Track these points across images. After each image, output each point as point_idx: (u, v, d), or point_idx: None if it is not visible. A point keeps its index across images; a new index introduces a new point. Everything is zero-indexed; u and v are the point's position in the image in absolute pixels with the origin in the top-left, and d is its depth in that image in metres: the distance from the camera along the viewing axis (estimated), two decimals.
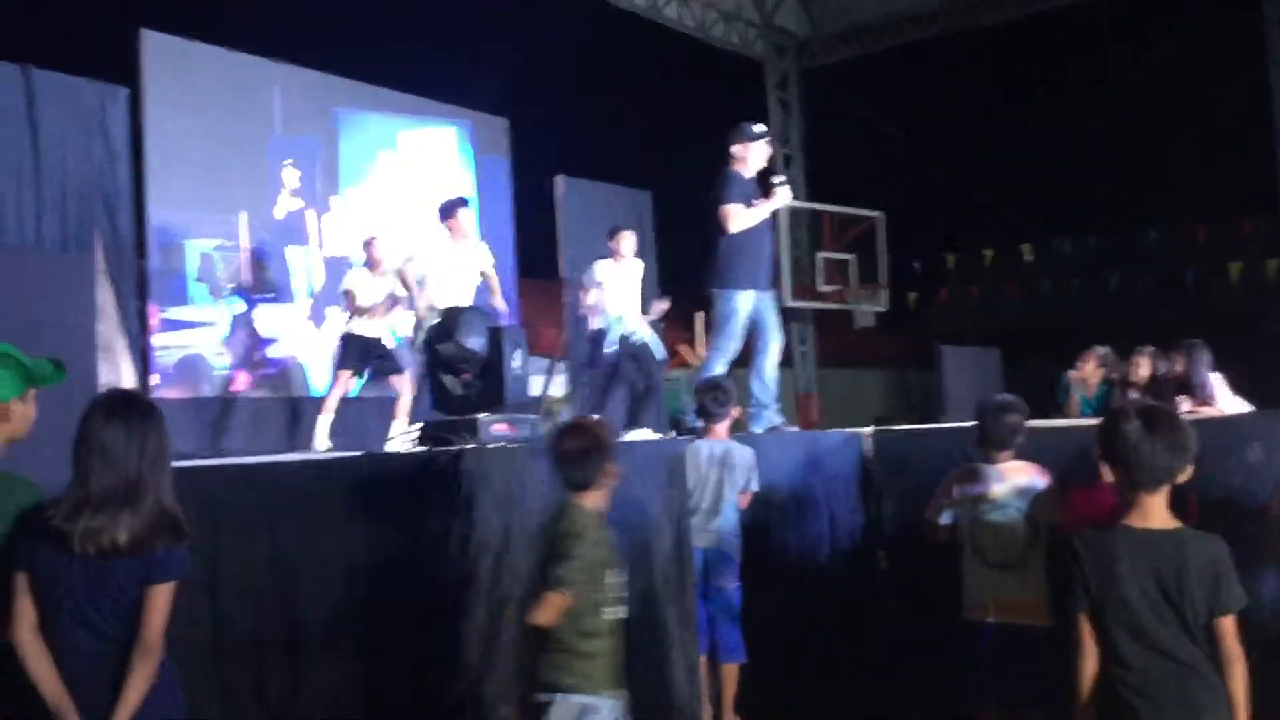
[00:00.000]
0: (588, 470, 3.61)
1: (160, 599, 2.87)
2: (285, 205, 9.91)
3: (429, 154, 11.15)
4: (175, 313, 9.15)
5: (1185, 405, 7.17)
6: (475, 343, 4.56)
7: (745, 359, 6.75)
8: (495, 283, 7.79)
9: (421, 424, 4.83)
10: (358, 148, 10.63)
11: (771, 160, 6.82)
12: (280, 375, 9.73)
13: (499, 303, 7.70)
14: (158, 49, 9.10)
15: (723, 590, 5.13)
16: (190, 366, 9.14)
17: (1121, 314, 13.51)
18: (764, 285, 6.59)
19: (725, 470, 5.18)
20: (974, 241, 15.91)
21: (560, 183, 11.68)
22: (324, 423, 7.73)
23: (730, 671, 5.12)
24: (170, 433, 7.66)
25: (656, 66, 15.88)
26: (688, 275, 16.23)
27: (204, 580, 4.85)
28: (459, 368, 4.60)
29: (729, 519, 5.17)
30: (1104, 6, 13.49)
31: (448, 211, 7.38)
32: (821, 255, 15.46)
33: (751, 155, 6.56)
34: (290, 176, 9.95)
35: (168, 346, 9.08)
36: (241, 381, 9.45)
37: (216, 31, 9.71)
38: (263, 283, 9.77)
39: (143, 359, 8.63)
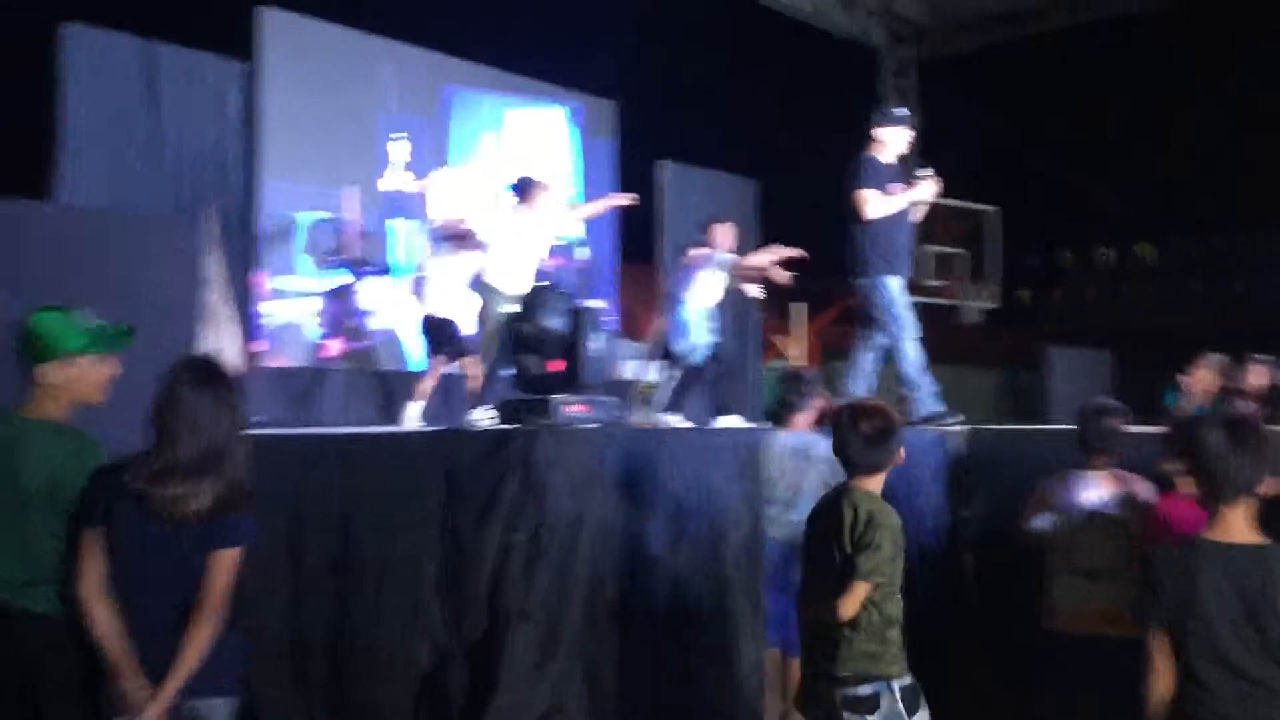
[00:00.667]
0: (883, 453, 3.54)
1: (225, 563, 2.93)
2: (391, 180, 10.06)
3: (536, 135, 11.21)
4: (282, 282, 9.39)
5: None
6: (555, 323, 4.56)
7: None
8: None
9: (501, 403, 4.84)
10: (467, 127, 10.75)
11: (911, 147, 6.69)
12: (378, 348, 9.91)
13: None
14: (275, 25, 9.33)
15: (795, 583, 5.04)
16: (292, 335, 9.37)
17: (1245, 319, 12.94)
18: (904, 274, 6.51)
19: (805, 462, 5.09)
20: (1092, 240, 15.40)
21: (664, 167, 11.63)
22: (416, 407, 7.70)
23: (798, 665, 5.03)
24: (269, 401, 7.87)
25: (770, 53, 15.70)
26: (792, 266, 16.08)
27: (284, 547, 5.00)
28: (539, 347, 4.60)
29: (806, 511, 5.07)
30: None
31: (523, 190, 7.14)
32: (931, 248, 15.13)
33: (892, 140, 6.45)
34: (398, 151, 10.10)
35: (274, 314, 9.31)
36: (338, 351, 9.64)
37: (332, 8, 9.88)
38: (369, 256, 9.95)
39: (246, 327, 8.84)
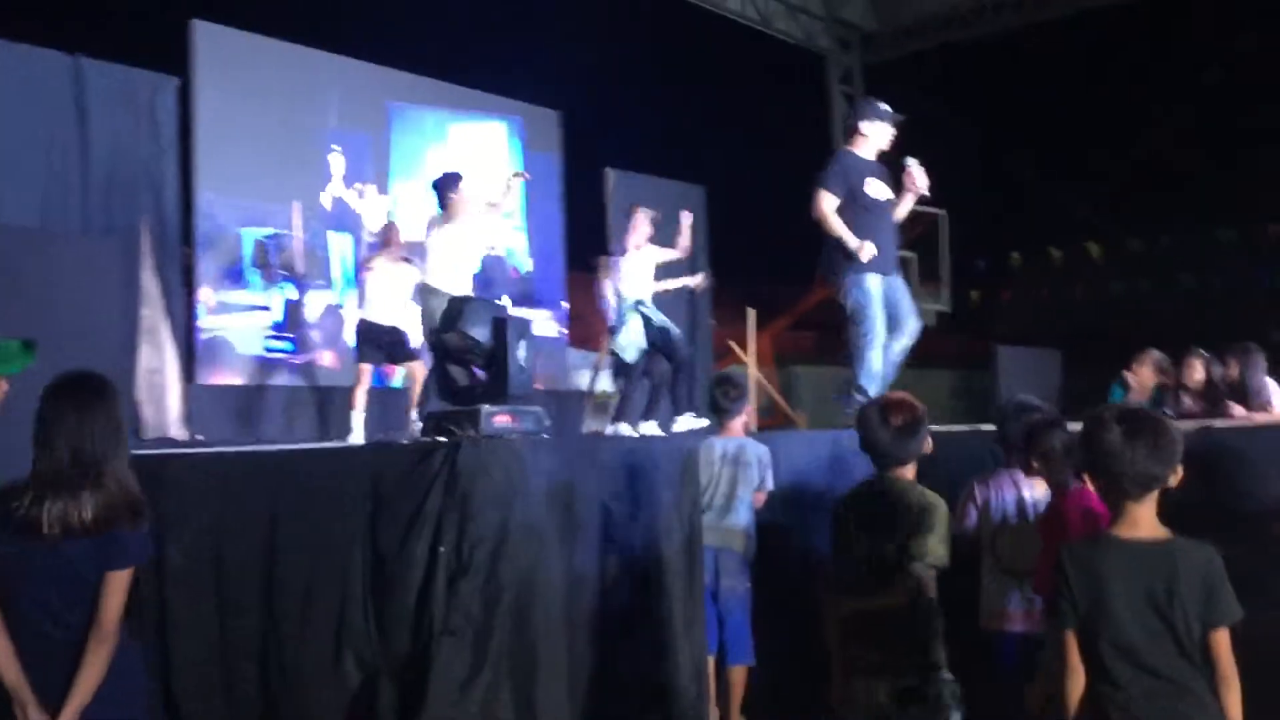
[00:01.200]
0: (914, 443, 3.52)
1: (118, 584, 2.86)
2: (331, 193, 9.97)
3: (478, 149, 11.14)
4: (230, 297, 9.26)
5: (1239, 411, 6.89)
6: (479, 333, 4.50)
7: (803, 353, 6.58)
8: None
9: (427, 414, 4.77)
10: (410, 142, 10.67)
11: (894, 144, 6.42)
12: (329, 363, 9.79)
13: None
14: (210, 40, 9.20)
15: (733, 590, 5.02)
16: (237, 349, 9.23)
17: (1194, 316, 13.06)
18: (889, 270, 6.26)
19: (739, 468, 5.07)
20: (1041, 241, 15.51)
21: (610, 175, 11.61)
22: (356, 418, 7.66)
23: (738, 673, 5.01)
24: (211, 417, 7.67)
25: (715, 59, 15.73)
26: (739, 271, 16.07)
27: (211, 563, 4.92)
28: (464, 358, 4.54)
29: (742, 517, 5.06)
30: None
31: (445, 185, 7.04)
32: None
33: (874, 134, 6.27)
34: (337, 163, 10.00)
35: (224, 328, 9.18)
36: (288, 367, 9.52)
37: (269, 23, 9.77)
38: (313, 270, 9.86)
39: (187, 344, 8.73)
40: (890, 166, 6.53)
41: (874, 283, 6.13)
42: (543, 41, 12.55)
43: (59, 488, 2.81)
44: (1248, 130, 13.80)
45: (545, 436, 4.84)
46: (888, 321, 6.25)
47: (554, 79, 12.19)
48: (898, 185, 6.40)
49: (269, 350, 9.47)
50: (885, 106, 6.39)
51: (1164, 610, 2.62)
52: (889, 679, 3.36)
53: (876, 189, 6.27)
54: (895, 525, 3.41)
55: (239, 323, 9.30)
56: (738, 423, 5.21)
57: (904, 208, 6.45)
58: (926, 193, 6.40)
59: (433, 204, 7.24)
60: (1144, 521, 2.69)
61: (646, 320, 7.80)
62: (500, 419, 4.48)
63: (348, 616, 4.40)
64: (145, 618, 4.77)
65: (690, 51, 15.40)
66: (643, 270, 8.11)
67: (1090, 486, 3.52)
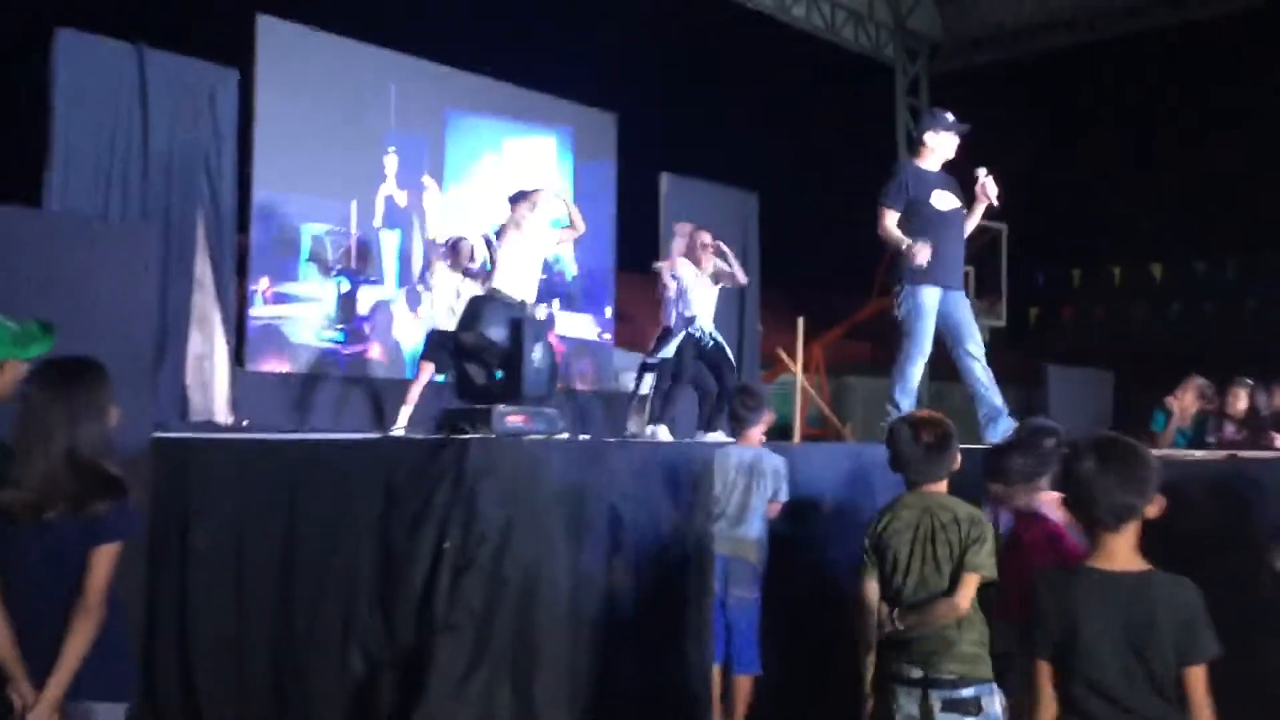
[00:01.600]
0: (945, 460, 3.58)
1: (103, 560, 2.94)
2: (385, 192, 10.13)
3: (530, 161, 11.26)
4: (286, 288, 9.48)
5: None
6: (496, 333, 4.57)
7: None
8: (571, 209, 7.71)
9: (442, 412, 4.84)
10: (464, 148, 10.83)
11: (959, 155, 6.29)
12: (377, 355, 9.97)
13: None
14: (272, 34, 9.38)
15: (742, 600, 5.02)
16: (290, 338, 9.43)
17: (1256, 341, 12.74)
18: (952, 284, 6.14)
19: (754, 478, 5.07)
20: (1103, 259, 15.23)
21: (664, 179, 11.64)
22: (405, 412, 7.77)
23: (744, 683, 5.01)
24: (262, 405, 7.78)
25: (778, 67, 15.69)
26: (792, 280, 15.99)
27: (233, 550, 5.05)
28: (481, 357, 4.60)
29: (754, 528, 5.05)
30: (1251, 17, 12.74)
31: (520, 200, 7.27)
32: None
33: (940, 146, 6.16)
34: (391, 164, 10.16)
35: (279, 318, 9.40)
36: (338, 358, 9.71)
37: (330, 19, 9.94)
38: (366, 266, 10.04)
39: (238, 331, 8.91)
40: (960, 177, 6.46)
41: (930, 296, 6.02)
42: (603, 45, 12.62)
43: (41, 467, 2.91)
44: None
45: (559, 437, 4.88)
46: (951, 337, 6.16)
47: (613, 83, 12.28)
48: (968, 197, 6.31)
49: (320, 340, 9.66)
50: (950, 116, 6.26)
51: (1140, 645, 2.57)
52: (940, 690, 3.38)
53: (942, 200, 6.13)
54: (947, 539, 3.45)
55: (293, 312, 9.48)
56: (755, 432, 5.21)
57: (974, 219, 6.37)
58: (996, 203, 6.32)
59: (503, 213, 7.38)
60: (1120, 553, 2.65)
61: (698, 339, 7.86)
62: (513, 419, 4.54)
63: (356, 608, 4.50)
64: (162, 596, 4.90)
65: (752, 58, 15.38)
66: (705, 294, 8.11)
67: (1057, 513, 3.53)
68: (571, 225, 7.60)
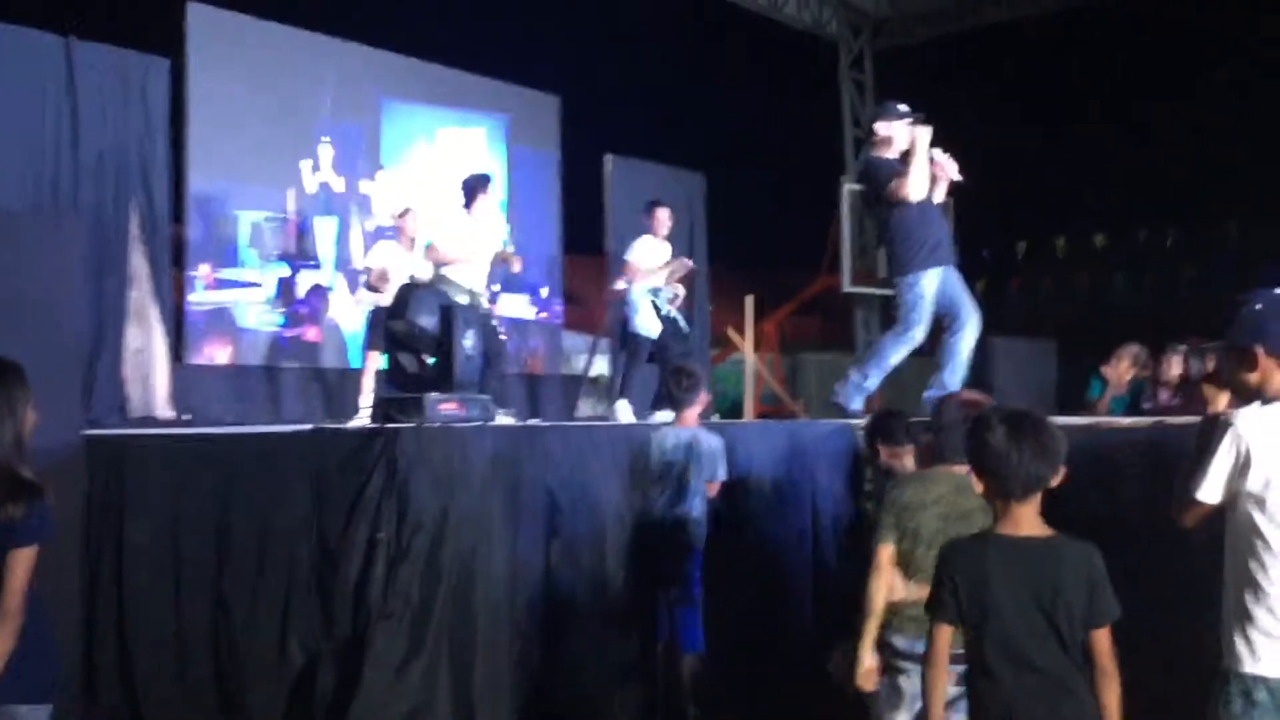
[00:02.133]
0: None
1: (19, 563, 2.90)
2: (320, 179, 10.07)
3: (463, 150, 11.23)
4: (226, 274, 9.42)
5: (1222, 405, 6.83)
6: (426, 321, 4.54)
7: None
8: (509, 255, 7.83)
9: (375, 400, 4.82)
10: (399, 135, 10.79)
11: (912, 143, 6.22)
12: (313, 338, 9.92)
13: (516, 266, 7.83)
14: (203, 21, 9.24)
15: (682, 579, 5.03)
16: (233, 322, 9.38)
17: (1197, 309, 12.93)
18: (947, 261, 6.19)
19: (691, 458, 5.06)
20: (1047, 231, 15.37)
21: (608, 161, 11.62)
22: (364, 401, 7.73)
23: (688, 662, 5.03)
24: (206, 397, 7.64)
25: (720, 45, 15.67)
26: (740, 259, 16.00)
27: (169, 546, 5.00)
28: (412, 345, 4.58)
29: (694, 507, 5.05)
30: None
31: (472, 189, 7.31)
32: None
33: (896, 136, 6.18)
34: (325, 153, 10.10)
35: (219, 303, 9.33)
36: (279, 342, 9.66)
37: (262, 5, 9.81)
38: (304, 252, 9.98)
39: (176, 325, 8.82)
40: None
41: (930, 281, 6.07)
42: (543, 27, 12.55)
43: None
44: (1263, 124, 13.63)
45: (492, 423, 4.87)
46: (947, 316, 6.21)
47: (555, 65, 12.22)
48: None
49: (262, 324, 9.63)
50: (903, 106, 6.26)
51: (1048, 608, 2.64)
52: (957, 667, 3.43)
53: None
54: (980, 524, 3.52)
55: (235, 297, 9.44)
56: (692, 413, 5.21)
57: (938, 198, 6.39)
58: (959, 178, 6.34)
59: (444, 200, 7.42)
60: (1026, 520, 2.71)
61: (657, 309, 8.02)
62: (446, 406, 4.52)
63: (293, 601, 4.48)
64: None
65: (695, 37, 15.35)
66: (659, 260, 8.28)
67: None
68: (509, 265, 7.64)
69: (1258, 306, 2.92)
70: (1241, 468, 2.80)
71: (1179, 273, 14.37)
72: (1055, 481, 2.72)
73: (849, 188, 15.45)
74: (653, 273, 8.20)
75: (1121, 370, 7.77)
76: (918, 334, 6.12)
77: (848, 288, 15.07)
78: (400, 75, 10.85)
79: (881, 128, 6.22)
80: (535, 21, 12.72)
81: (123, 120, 8.34)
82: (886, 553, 3.63)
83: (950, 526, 3.49)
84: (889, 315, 15.21)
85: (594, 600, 4.78)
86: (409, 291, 4.70)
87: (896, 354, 6.19)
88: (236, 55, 9.46)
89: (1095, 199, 16.16)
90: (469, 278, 7.33)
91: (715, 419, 10.83)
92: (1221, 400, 3.14)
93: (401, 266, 7.88)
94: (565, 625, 4.71)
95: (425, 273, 7.48)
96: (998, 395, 11.35)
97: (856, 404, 6.29)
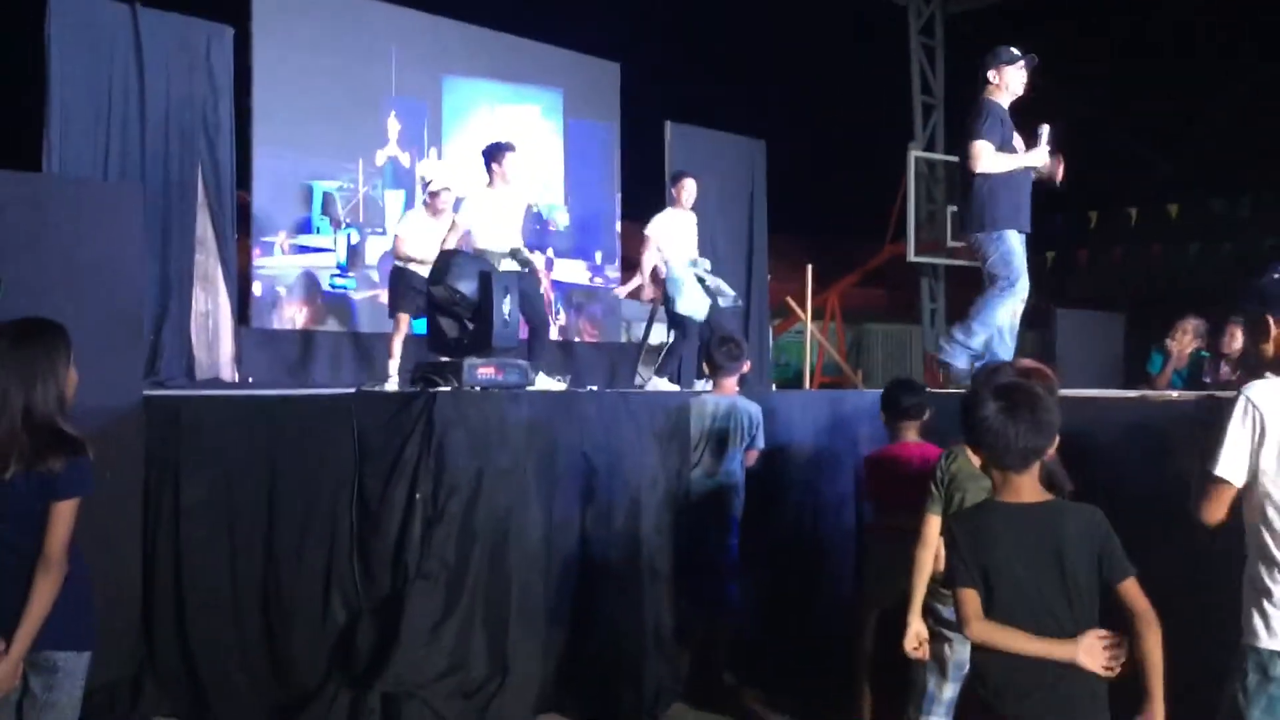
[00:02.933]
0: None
1: (62, 515, 3.02)
2: (388, 153, 10.27)
3: (522, 125, 11.33)
4: (301, 240, 9.69)
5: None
6: (466, 286, 4.60)
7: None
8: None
9: (415, 365, 4.91)
10: (460, 110, 10.93)
11: (1028, 91, 6.03)
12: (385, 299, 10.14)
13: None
14: None
15: (719, 544, 5.06)
16: (305, 286, 9.64)
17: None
18: (1025, 228, 5.99)
19: (730, 425, 5.09)
20: (1121, 201, 14.99)
21: (669, 129, 11.59)
22: (392, 365, 7.87)
23: (723, 626, 5.08)
24: (263, 362, 7.78)
25: (787, 11, 15.48)
26: (803, 227, 15.86)
27: (224, 505, 5.14)
28: (452, 310, 4.65)
29: (731, 474, 5.08)
30: None
31: (492, 155, 7.22)
32: (952, 209, 14.92)
33: (1009, 81, 5.94)
34: (393, 127, 10.29)
35: (294, 268, 9.62)
36: (350, 305, 9.89)
37: None
38: (372, 220, 10.19)
39: (242, 289, 9.03)
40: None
41: (1016, 239, 5.93)
42: None
43: None
44: None
45: (530, 389, 4.93)
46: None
47: (613, 32, 12.18)
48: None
49: (334, 287, 9.88)
50: (1016, 50, 6.02)
51: (1052, 572, 2.64)
52: None
53: (1019, 141, 5.99)
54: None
55: (308, 262, 9.69)
56: (731, 381, 5.22)
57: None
58: (1058, 181, 6.10)
59: (480, 168, 7.38)
60: (1027, 488, 2.71)
61: (700, 280, 8.00)
62: (484, 371, 4.59)
63: (336, 559, 4.59)
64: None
65: (759, 3, 15.18)
66: (686, 230, 8.29)
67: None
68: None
69: (1275, 276, 2.86)
70: (1259, 441, 2.76)
71: (1256, 243, 13.96)
72: (1050, 451, 2.71)
73: (915, 155, 15.25)
74: (680, 241, 8.17)
75: (1183, 344, 7.62)
76: (1021, 285, 5.91)
77: (913, 257, 14.90)
78: (460, 47, 10.96)
79: (992, 75, 6.00)
80: None
81: (187, 88, 8.51)
82: (934, 523, 3.65)
83: None
84: (978, 279, 15.00)
85: (629, 564, 4.83)
86: (450, 258, 4.77)
87: (1004, 308, 5.93)
88: (301, 24, 9.61)
89: (1170, 167, 15.76)
90: (497, 242, 7.12)
91: (773, 388, 10.87)
92: None
93: (427, 235, 7.91)
94: (600, 588, 4.78)
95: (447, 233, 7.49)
96: (1062, 367, 11.21)
97: (962, 362, 5.99)
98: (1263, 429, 2.75)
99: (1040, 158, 5.95)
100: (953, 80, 16.48)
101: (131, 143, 8.20)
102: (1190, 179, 15.29)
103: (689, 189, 8.36)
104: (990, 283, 5.97)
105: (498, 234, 6.93)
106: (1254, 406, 2.77)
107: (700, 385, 7.28)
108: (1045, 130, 5.98)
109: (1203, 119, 15.07)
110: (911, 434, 4.48)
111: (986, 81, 5.97)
